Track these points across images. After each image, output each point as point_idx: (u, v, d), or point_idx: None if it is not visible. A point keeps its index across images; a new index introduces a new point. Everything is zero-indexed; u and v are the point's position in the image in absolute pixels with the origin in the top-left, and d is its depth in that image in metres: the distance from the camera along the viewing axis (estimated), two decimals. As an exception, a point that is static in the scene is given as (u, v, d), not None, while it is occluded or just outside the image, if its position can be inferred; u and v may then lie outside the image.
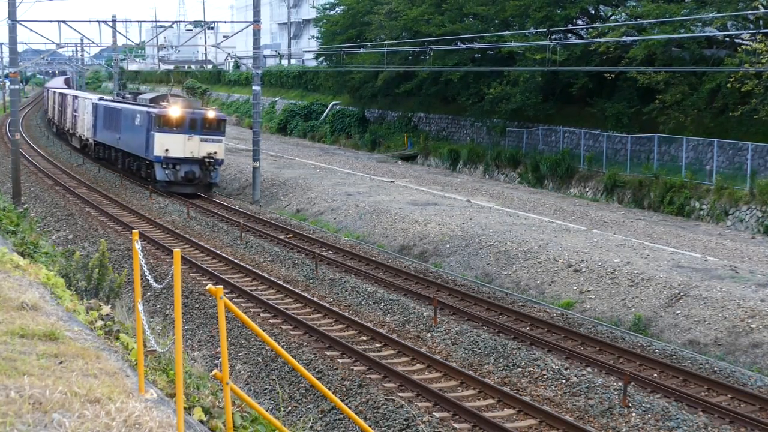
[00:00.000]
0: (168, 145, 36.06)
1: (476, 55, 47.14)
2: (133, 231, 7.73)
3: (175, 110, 36.25)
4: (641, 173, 35.50)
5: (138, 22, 62.61)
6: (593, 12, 43.66)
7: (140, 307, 7.27)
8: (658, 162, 35.59)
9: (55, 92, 72.45)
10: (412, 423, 13.46)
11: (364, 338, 18.09)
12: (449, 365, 16.27)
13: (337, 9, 61.92)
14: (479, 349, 17.37)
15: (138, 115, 38.96)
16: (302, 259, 25.07)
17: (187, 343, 17.79)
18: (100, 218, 32.09)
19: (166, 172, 36.45)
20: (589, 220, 30.39)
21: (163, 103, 38.04)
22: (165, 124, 36.16)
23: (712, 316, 18.89)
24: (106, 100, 49.21)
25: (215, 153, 36.52)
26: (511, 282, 23.50)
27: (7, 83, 51.21)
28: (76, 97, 57.14)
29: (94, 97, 52.46)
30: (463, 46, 41.35)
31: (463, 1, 44.37)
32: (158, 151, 36.33)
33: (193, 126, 36.23)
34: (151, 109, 37.48)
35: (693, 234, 28.07)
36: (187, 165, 36.44)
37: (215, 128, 36.84)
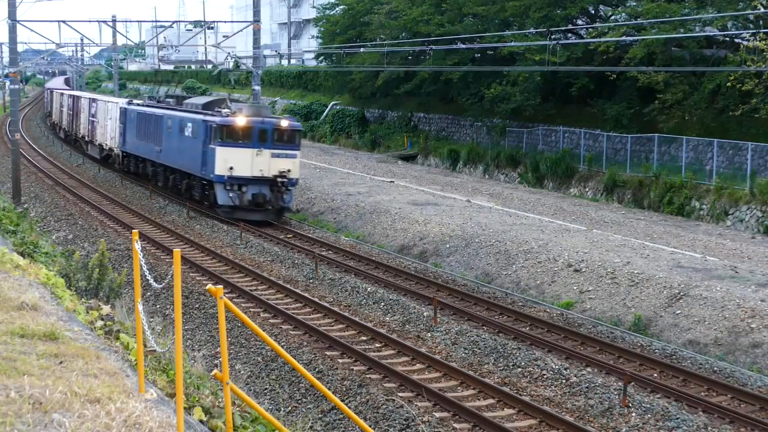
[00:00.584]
0: (233, 161, 29.61)
1: (476, 55, 47.16)
2: (133, 231, 7.73)
3: (241, 119, 29.92)
4: (641, 173, 35.51)
5: (138, 22, 62.57)
6: (593, 12, 43.66)
7: (140, 307, 7.27)
8: (658, 162, 35.59)
9: (62, 94, 64.70)
10: (412, 423, 13.46)
11: (364, 338, 18.09)
12: (449, 365, 16.27)
13: (337, 9, 61.94)
14: (479, 349, 17.38)
15: (190, 124, 32.63)
16: (302, 259, 25.07)
17: (187, 343, 17.79)
18: (100, 218, 32.10)
19: (230, 194, 29.98)
20: (589, 220, 30.39)
21: (223, 110, 31.63)
22: (229, 136, 29.82)
23: (712, 316, 18.89)
24: (139, 104, 42.56)
25: (288, 171, 30.12)
26: (511, 282, 23.49)
27: (7, 83, 51.12)
28: (94, 100, 50.84)
29: (120, 101, 46.02)
30: (463, 46, 41.36)
31: (462, 1, 44.38)
32: (220, 169, 29.76)
33: (262, 138, 29.85)
34: (210, 118, 31.01)
35: (693, 234, 28.07)
36: (256, 186, 30.04)
37: (288, 140, 30.46)
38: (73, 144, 58.64)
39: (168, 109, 37.13)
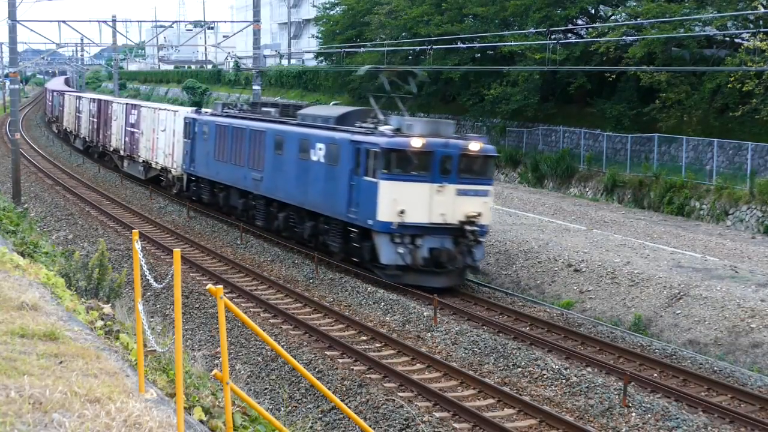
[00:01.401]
0: (404, 202, 20.92)
1: (476, 55, 47.19)
2: (133, 231, 7.73)
3: (416, 141, 20.98)
4: (641, 173, 35.51)
5: (138, 22, 62.69)
6: (593, 12, 43.69)
7: (140, 307, 7.27)
8: (658, 162, 35.58)
9: (81, 98, 55.34)
10: (412, 423, 13.46)
11: (364, 338, 18.10)
12: (449, 365, 16.28)
13: (337, 9, 61.97)
14: (479, 349, 17.38)
15: (323, 145, 23.75)
16: (302, 259, 25.06)
17: (187, 343, 17.80)
18: (100, 218, 32.11)
19: (399, 250, 21.07)
20: (589, 220, 30.40)
21: (380, 127, 22.35)
22: (400, 165, 21.08)
23: (712, 316, 18.90)
24: (215, 114, 33.52)
25: (479, 215, 21.33)
26: (511, 282, 23.50)
27: (7, 83, 51.08)
28: (134, 106, 42.37)
29: (182, 109, 37.42)
30: (463, 46, 41.33)
31: (462, 2, 44.41)
32: (386, 212, 20.95)
33: (445, 168, 21.22)
34: (363, 137, 22.08)
35: (693, 234, 28.08)
36: (435, 237, 21.32)
37: (480, 171, 21.81)
38: (99, 158, 49.91)
39: (272, 121, 28.06)
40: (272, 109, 30.00)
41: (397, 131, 21.68)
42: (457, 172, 21.34)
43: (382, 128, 22.09)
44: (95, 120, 49.11)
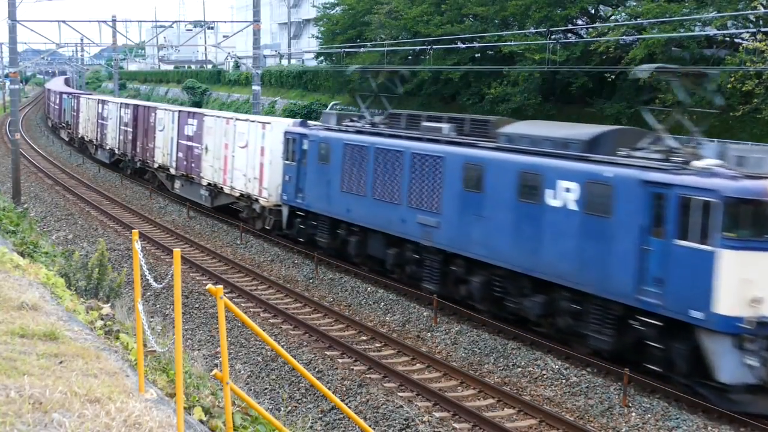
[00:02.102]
0: (760, 284, 13.66)
1: (476, 55, 47.23)
2: (133, 231, 7.73)
3: None
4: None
5: (138, 22, 62.81)
6: (593, 12, 43.73)
7: (140, 306, 7.27)
8: (658, 162, 35.55)
9: (106, 103, 47.46)
10: (412, 423, 13.46)
11: (364, 338, 18.11)
12: (449, 365, 16.29)
13: (337, 9, 62.02)
14: (479, 349, 17.38)
15: (575, 185, 16.17)
16: (302, 259, 25.06)
17: (187, 343, 17.80)
18: (100, 218, 32.12)
19: (750, 361, 13.63)
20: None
21: (691, 162, 14.91)
22: (751, 225, 13.84)
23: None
24: (328, 128, 25.21)
25: None
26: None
27: (7, 83, 51.05)
28: (191, 114, 34.82)
29: (275, 122, 28.58)
30: (463, 46, 41.32)
31: (462, 1, 44.45)
32: (730, 301, 13.66)
33: None
34: (672, 178, 14.56)
35: (693, 234, 28.06)
36: None
37: None
38: (134, 175, 42.48)
39: (451, 143, 19.91)
40: (444, 125, 20.72)
41: (729, 169, 14.30)
42: None
43: (700, 163, 14.67)
44: (129, 129, 41.69)
